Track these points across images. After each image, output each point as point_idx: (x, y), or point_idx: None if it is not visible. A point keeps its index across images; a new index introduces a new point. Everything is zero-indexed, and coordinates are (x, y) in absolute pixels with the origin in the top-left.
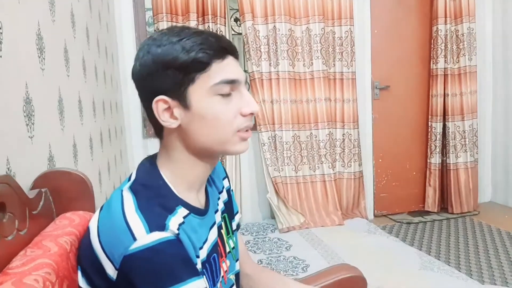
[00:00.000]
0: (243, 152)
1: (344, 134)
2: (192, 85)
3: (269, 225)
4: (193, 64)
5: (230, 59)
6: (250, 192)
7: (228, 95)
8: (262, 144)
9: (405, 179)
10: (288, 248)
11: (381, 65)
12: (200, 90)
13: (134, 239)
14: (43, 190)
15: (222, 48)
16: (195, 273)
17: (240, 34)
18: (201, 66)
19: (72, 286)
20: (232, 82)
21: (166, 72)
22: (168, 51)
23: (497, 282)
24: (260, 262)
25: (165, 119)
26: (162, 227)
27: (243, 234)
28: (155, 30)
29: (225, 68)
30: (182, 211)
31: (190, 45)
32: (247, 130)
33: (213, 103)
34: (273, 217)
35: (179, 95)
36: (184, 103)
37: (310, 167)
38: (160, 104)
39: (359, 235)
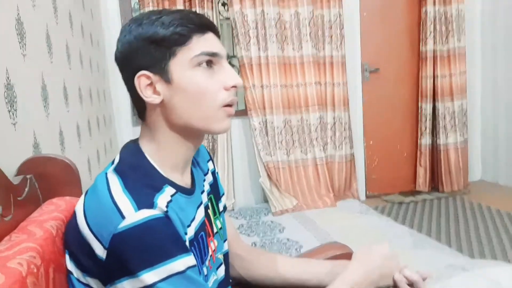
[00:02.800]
0: (226, 131)
1: (334, 117)
2: (174, 59)
3: (262, 209)
4: (173, 37)
5: (210, 35)
6: (243, 177)
7: (210, 67)
8: (254, 129)
9: (396, 160)
10: (281, 230)
11: (370, 48)
12: (182, 63)
13: (123, 217)
14: (28, 176)
15: (203, 23)
16: (184, 250)
17: (228, 19)
18: (181, 39)
19: (58, 270)
20: (213, 55)
21: (147, 48)
22: (149, 27)
23: (487, 257)
24: (254, 245)
25: (147, 94)
26: (151, 205)
27: (237, 218)
28: None
29: (205, 42)
30: (169, 190)
31: (170, 20)
32: (231, 106)
33: (195, 75)
34: (266, 201)
35: (161, 69)
36: (166, 77)
37: (301, 151)
38: (142, 79)
39: (351, 216)
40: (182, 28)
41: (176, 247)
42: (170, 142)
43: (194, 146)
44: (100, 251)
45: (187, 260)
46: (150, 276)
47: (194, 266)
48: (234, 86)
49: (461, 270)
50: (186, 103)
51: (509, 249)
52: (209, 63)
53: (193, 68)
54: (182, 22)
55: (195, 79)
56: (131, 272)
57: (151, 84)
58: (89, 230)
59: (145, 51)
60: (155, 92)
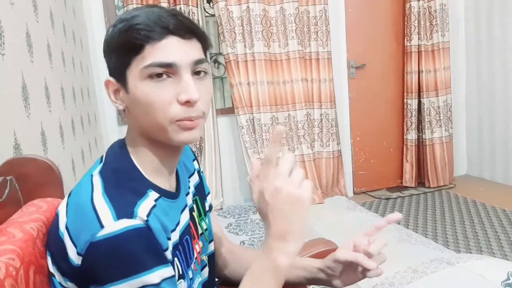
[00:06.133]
0: (192, 142)
1: (321, 114)
2: (129, 68)
3: (251, 207)
4: (126, 46)
5: (170, 40)
6: (231, 175)
7: (161, 78)
8: (241, 127)
9: (383, 156)
10: None
11: (356, 44)
12: (135, 73)
13: (102, 226)
14: (8, 178)
15: (162, 28)
16: (162, 261)
17: (214, 15)
18: (134, 48)
19: (39, 272)
20: (166, 66)
21: (110, 54)
22: (113, 33)
23: (473, 251)
24: (242, 244)
25: (114, 99)
26: (130, 214)
27: (225, 217)
28: None
29: (160, 50)
30: (153, 195)
31: (128, 26)
32: (192, 120)
33: (144, 86)
34: None
35: (121, 78)
36: (124, 86)
37: (289, 148)
38: (110, 85)
39: (339, 212)
40: (135, 36)
41: (153, 258)
42: (145, 147)
43: (170, 153)
44: (74, 256)
45: (163, 272)
46: (123, 287)
47: (170, 277)
48: (188, 102)
49: (446, 264)
50: (140, 114)
51: (494, 243)
52: (161, 75)
53: (144, 79)
54: (138, 29)
55: (144, 90)
56: (104, 282)
57: (117, 90)
58: (67, 234)
59: (109, 57)
60: (119, 99)
